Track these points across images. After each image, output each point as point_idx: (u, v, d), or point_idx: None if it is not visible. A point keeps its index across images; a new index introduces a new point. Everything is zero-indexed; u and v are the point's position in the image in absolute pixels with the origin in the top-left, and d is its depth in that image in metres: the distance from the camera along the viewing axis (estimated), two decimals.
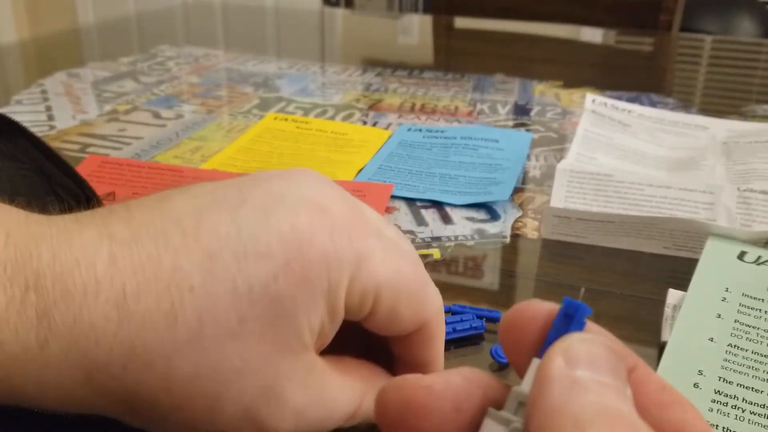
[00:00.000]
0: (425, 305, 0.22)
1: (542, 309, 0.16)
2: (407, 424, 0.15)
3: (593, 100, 0.61)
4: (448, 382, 0.16)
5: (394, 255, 0.21)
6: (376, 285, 0.20)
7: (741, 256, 0.38)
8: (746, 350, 0.32)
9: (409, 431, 0.16)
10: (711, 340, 0.32)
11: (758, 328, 0.33)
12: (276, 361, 0.18)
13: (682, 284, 0.37)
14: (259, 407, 0.18)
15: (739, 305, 0.34)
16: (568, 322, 0.15)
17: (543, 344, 0.15)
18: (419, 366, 0.23)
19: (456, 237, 0.45)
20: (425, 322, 0.22)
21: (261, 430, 0.18)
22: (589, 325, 0.15)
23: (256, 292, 0.18)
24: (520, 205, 0.50)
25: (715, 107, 0.75)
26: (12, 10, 2.07)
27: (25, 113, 0.67)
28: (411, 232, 0.46)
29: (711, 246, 0.39)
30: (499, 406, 0.15)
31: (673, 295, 0.37)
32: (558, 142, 0.62)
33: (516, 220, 0.47)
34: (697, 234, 0.42)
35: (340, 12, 1.57)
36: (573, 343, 0.15)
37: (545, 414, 0.13)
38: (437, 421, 0.15)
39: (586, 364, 0.14)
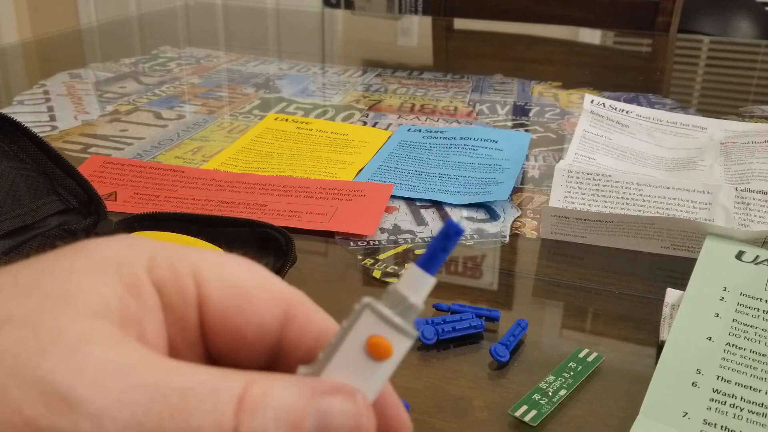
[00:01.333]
0: (273, 283, 0.18)
1: None
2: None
3: (592, 101, 0.61)
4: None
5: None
6: (188, 259, 0.17)
7: (739, 255, 0.39)
8: (744, 349, 0.32)
9: None
10: (709, 339, 0.32)
11: (756, 327, 0.33)
12: (53, 317, 0.15)
13: (681, 284, 0.37)
14: (39, 363, 0.14)
15: (737, 304, 0.35)
16: (446, 239, 0.16)
17: (425, 254, 0.16)
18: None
19: None
20: (287, 301, 0.18)
21: (57, 397, 0.14)
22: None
23: None
24: (519, 205, 0.50)
25: (713, 108, 0.75)
26: (14, 10, 2.07)
27: (27, 114, 0.67)
28: (411, 232, 0.46)
29: (709, 246, 0.39)
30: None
31: (671, 294, 0.37)
32: (557, 143, 0.62)
33: (515, 220, 0.48)
34: (695, 234, 0.42)
35: (340, 13, 1.57)
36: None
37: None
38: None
39: None
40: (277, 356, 0.18)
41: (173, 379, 0.15)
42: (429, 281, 0.16)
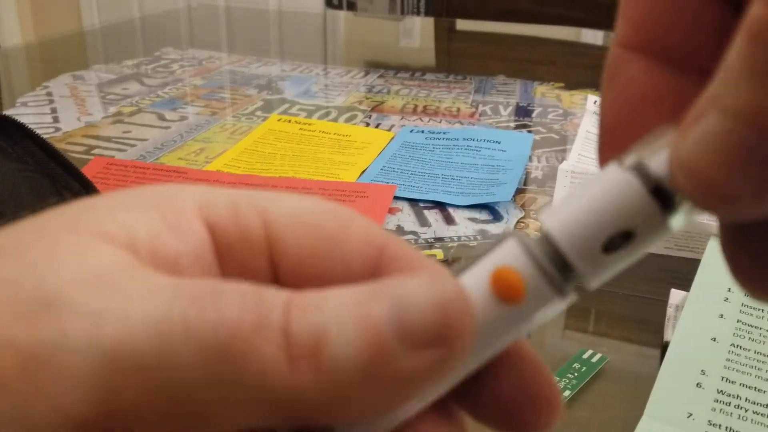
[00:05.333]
0: (362, 223, 0.14)
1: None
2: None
3: (594, 102, 0.61)
4: None
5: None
6: (254, 199, 0.14)
7: None
8: (749, 350, 0.32)
9: None
10: (714, 339, 0.32)
11: (761, 328, 0.33)
12: (52, 242, 0.12)
13: (685, 284, 0.37)
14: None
15: (742, 305, 0.35)
16: None
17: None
18: None
19: (459, 238, 0.45)
20: (380, 244, 0.14)
21: (39, 304, 0.10)
22: None
23: None
24: (522, 206, 0.50)
25: None
26: (17, 12, 2.08)
27: (30, 115, 0.67)
28: (414, 233, 0.46)
29: (713, 246, 0.39)
30: None
31: (675, 295, 0.37)
32: (559, 144, 0.62)
33: (518, 221, 0.48)
34: (699, 234, 0.42)
35: (342, 14, 1.57)
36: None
37: None
38: None
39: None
40: None
41: (202, 281, 0.11)
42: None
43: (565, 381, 0.31)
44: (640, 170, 0.11)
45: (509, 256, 0.12)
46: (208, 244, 0.13)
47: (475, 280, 0.12)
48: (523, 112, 0.71)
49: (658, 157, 0.11)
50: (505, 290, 0.12)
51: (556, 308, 0.12)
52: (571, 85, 0.80)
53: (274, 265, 0.14)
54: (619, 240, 0.11)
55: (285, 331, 0.11)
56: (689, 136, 0.11)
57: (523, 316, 0.12)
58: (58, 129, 0.64)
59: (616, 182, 0.11)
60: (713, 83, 0.10)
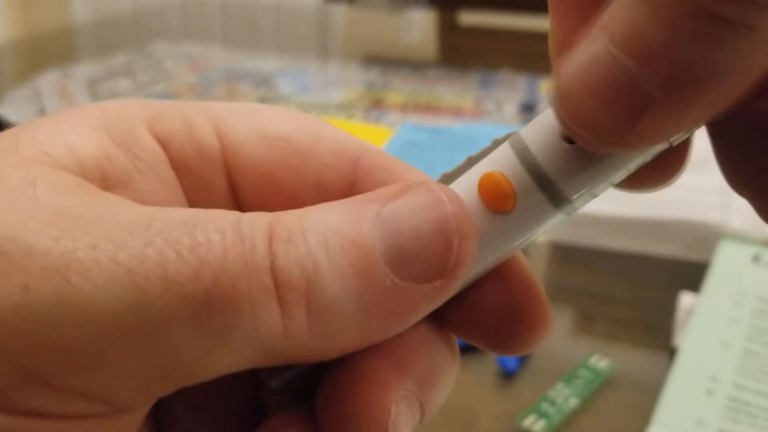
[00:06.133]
0: (333, 133, 0.13)
1: None
2: None
3: None
4: None
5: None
6: (207, 110, 0.13)
7: (755, 259, 0.38)
8: (761, 355, 0.31)
9: None
10: (725, 345, 0.32)
11: None
12: None
13: (695, 288, 0.36)
14: None
15: (754, 309, 0.34)
16: None
17: None
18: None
19: None
20: (355, 153, 0.13)
21: None
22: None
23: None
24: None
25: None
26: (5, 5, 2.06)
27: (18, 113, 0.66)
28: None
29: (724, 249, 0.38)
30: None
31: (685, 299, 0.36)
32: None
33: None
34: (709, 236, 0.41)
35: (341, 7, 1.56)
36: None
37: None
38: None
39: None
40: None
41: (174, 214, 0.10)
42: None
43: (571, 388, 0.31)
44: None
45: (500, 160, 0.11)
46: (164, 159, 0.12)
47: (467, 193, 0.11)
48: (528, 109, 0.70)
49: None
50: (491, 197, 0.11)
51: (554, 220, 0.11)
52: None
53: (233, 177, 0.13)
54: None
55: (272, 269, 0.10)
56: (573, 58, 0.10)
57: (516, 227, 0.11)
58: None
59: None
60: (610, 7, 0.10)
